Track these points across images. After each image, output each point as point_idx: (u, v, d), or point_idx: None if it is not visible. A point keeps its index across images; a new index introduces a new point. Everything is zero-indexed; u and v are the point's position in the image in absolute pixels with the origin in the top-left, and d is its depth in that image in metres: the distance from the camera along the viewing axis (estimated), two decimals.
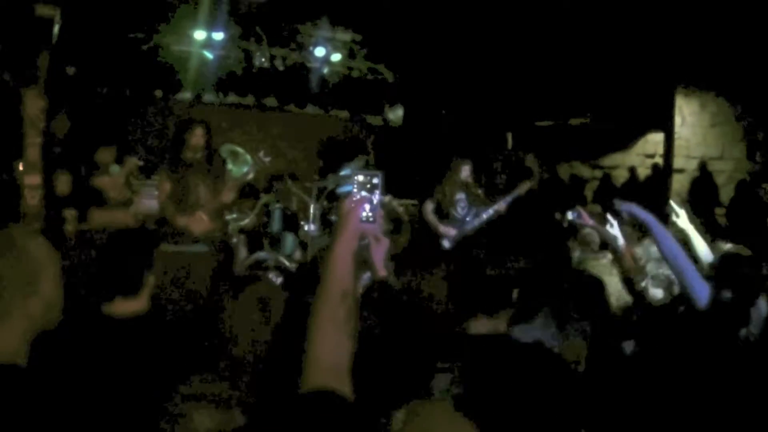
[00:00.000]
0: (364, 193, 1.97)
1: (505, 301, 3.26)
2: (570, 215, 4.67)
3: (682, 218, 4.76)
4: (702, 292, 3.52)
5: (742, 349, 3.41)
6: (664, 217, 4.80)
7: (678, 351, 3.52)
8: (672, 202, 4.91)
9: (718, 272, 3.64)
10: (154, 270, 2.96)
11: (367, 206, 1.96)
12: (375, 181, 1.99)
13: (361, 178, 1.99)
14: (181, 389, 2.45)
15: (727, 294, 3.47)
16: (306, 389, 1.66)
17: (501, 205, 7.77)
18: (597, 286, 4.23)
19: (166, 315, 3.01)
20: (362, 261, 3.45)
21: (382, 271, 3.25)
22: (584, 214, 4.66)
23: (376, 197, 1.98)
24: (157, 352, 2.77)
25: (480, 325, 3.18)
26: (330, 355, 1.72)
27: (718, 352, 3.39)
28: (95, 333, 2.78)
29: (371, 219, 1.97)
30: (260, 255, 8.15)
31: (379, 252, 3.29)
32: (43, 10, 6.83)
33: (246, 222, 8.75)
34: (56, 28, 7.18)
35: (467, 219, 7.80)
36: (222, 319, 2.77)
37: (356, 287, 1.84)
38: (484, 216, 7.74)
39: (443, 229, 7.79)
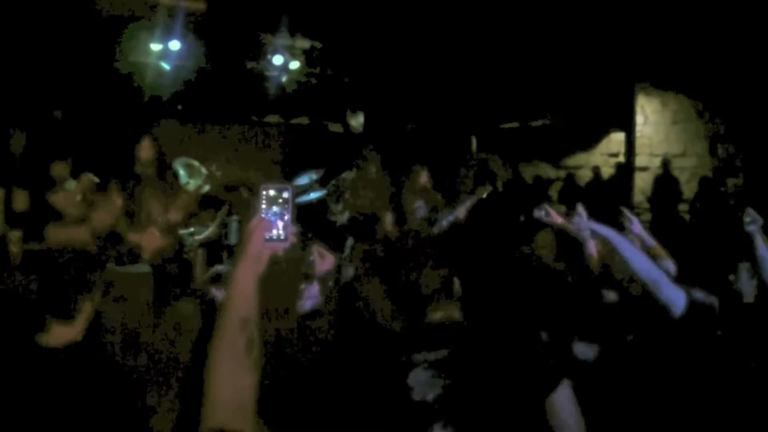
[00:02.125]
0: (274, 209, 1.82)
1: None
2: (537, 213, 4.58)
3: (635, 225, 4.70)
4: (678, 300, 3.37)
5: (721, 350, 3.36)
6: (619, 222, 4.76)
7: (659, 360, 3.47)
8: (624, 210, 4.83)
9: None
10: (92, 296, 2.82)
11: (280, 223, 1.81)
12: (286, 195, 1.83)
13: (271, 192, 1.83)
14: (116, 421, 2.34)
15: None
16: (206, 430, 1.53)
17: (460, 211, 7.67)
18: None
19: (104, 342, 2.88)
20: (304, 275, 3.35)
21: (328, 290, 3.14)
22: (552, 212, 4.58)
23: (287, 213, 1.83)
24: (94, 384, 2.64)
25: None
26: (228, 391, 1.58)
27: (701, 358, 3.35)
28: (29, 363, 2.65)
29: (281, 237, 1.81)
30: (219, 268, 7.99)
31: (324, 269, 3.19)
32: None
33: (205, 235, 8.59)
34: None
35: (429, 226, 7.70)
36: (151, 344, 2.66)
37: (258, 314, 1.69)
38: (444, 223, 7.64)
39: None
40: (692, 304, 3.36)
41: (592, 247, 4.54)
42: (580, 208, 4.34)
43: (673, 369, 3.36)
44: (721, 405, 3.19)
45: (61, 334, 2.70)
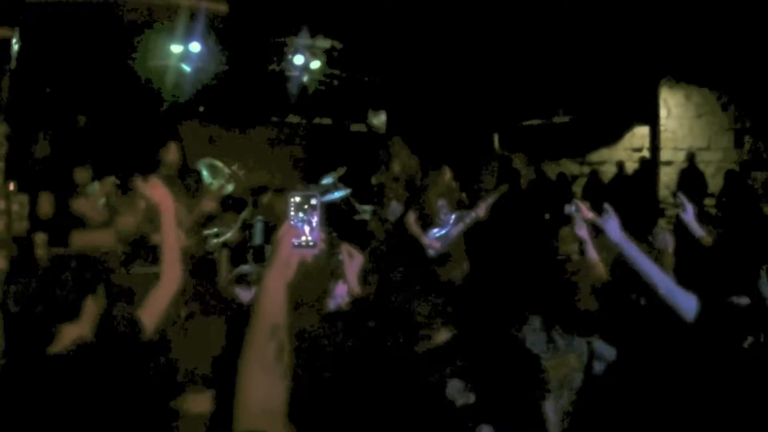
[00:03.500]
0: (302, 215, 1.83)
1: None
2: (568, 209, 4.54)
3: (688, 213, 4.68)
4: (688, 305, 3.38)
5: (748, 357, 3.30)
6: (656, 210, 4.77)
7: (674, 365, 3.45)
8: (680, 195, 4.81)
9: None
10: (96, 296, 2.83)
11: (306, 229, 1.82)
12: (314, 201, 1.85)
13: (298, 199, 1.84)
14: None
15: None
16: None
17: (481, 209, 7.63)
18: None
19: (127, 342, 2.86)
20: (334, 275, 3.35)
21: (356, 289, 3.15)
22: (583, 207, 4.52)
23: (315, 219, 1.83)
24: (117, 386, 2.63)
25: None
26: (259, 397, 1.58)
27: (716, 363, 3.31)
28: (49, 368, 2.65)
29: (310, 243, 1.82)
30: (243, 268, 7.99)
31: (353, 268, 3.20)
32: (0, 32, 6.68)
33: (229, 236, 8.59)
34: (15, 49, 7.03)
35: (450, 225, 7.67)
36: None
37: (289, 320, 1.68)
38: (468, 221, 7.61)
39: (428, 240, 7.65)
40: (705, 310, 3.35)
41: (593, 253, 4.49)
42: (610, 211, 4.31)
43: (689, 374, 3.36)
44: (741, 411, 3.16)
45: (68, 334, 2.70)
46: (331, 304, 3.29)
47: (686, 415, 3.20)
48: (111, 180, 7.72)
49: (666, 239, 4.85)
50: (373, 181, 7.55)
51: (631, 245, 3.68)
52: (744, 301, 3.42)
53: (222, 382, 2.41)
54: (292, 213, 1.83)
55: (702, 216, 4.84)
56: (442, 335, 2.91)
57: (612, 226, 3.79)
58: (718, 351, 3.30)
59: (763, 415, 3.09)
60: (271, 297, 1.70)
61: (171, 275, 3.07)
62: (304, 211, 1.83)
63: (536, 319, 3.89)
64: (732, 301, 3.42)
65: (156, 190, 3.27)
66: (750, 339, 3.29)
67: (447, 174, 7.85)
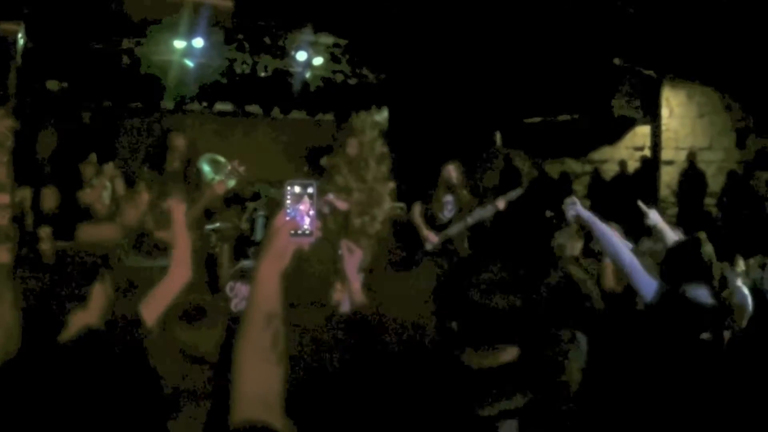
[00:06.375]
0: (299, 205, 1.84)
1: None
2: (567, 201, 4.52)
3: (652, 216, 4.70)
4: (648, 287, 3.52)
5: (716, 347, 3.34)
6: (656, 209, 4.76)
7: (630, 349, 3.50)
8: (639, 203, 4.84)
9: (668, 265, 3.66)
10: (101, 281, 2.85)
11: (306, 219, 1.83)
12: (310, 190, 1.86)
13: (296, 188, 1.85)
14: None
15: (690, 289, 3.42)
16: (234, 425, 1.55)
17: (489, 210, 7.63)
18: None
19: (130, 335, 2.88)
20: (335, 272, 3.36)
21: (356, 283, 3.16)
22: (578, 204, 4.49)
23: (312, 208, 1.85)
24: (121, 378, 2.65)
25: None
26: (256, 385, 1.60)
27: (669, 349, 3.34)
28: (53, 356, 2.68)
29: (307, 232, 1.83)
30: (244, 263, 8.01)
31: (353, 263, 3.21)
32: (6, 27, 6.69)
33: (230, 231, 8.62)
34: (21, 45, 7.05)
35: (453, 222, 7.71)
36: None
37: (284, 308, 1.70)
38: (470, 220, 7.64)
39: (426, 233, 7.69)
40: (664, 295, 3.45)
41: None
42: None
43: (640, 358, 3.41)
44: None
45: (76, 322, 2.73)
46: (332, 301, 3.30)
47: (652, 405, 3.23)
48: (111, 165, 7.75)
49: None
50: (323, 162, 7.07)
51: (599, 223, 3.81)
52: (702, 293, 3.47)
53: (222, 374, 2.44)
54: (289, 202, 1.84)
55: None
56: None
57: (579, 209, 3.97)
58: (671, 340, 3.35)
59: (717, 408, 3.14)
60: (265, 286, 1.71)
61: (180, 272, 3.08)
62: (302, 201, 1.84)
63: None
64: (689, 292, 3.46)
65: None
66: (707, 334, 3.35)
67: (449, 170, 7.87)
